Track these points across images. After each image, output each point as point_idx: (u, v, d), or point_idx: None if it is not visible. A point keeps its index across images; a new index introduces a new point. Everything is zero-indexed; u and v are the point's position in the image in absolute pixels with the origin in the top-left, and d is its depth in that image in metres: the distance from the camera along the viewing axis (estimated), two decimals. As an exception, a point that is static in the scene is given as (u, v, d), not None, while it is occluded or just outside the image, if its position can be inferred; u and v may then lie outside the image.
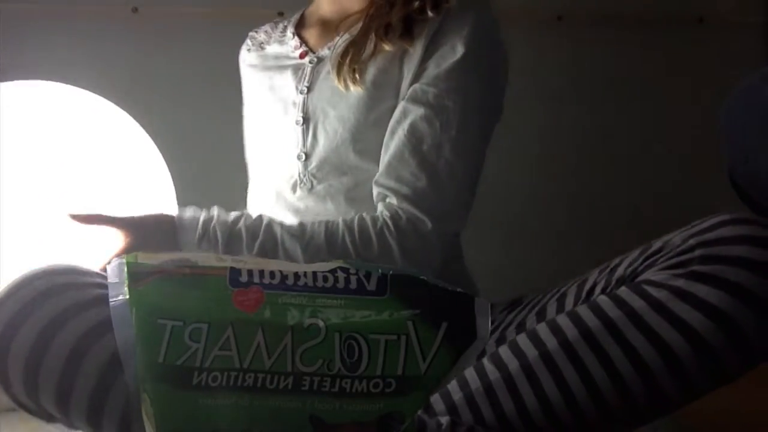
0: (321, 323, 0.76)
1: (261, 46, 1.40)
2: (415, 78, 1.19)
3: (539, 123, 1.99)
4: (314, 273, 0.77)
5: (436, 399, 0.89)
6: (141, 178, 1.31)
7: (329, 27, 1.32)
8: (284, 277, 0.77)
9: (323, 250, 1.11)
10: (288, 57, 1.33)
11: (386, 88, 1.20)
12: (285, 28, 1.39)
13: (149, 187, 1.31)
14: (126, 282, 0.76)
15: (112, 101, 1.34)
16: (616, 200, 2.02)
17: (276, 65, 1.34)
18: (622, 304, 0.89)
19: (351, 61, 1.20)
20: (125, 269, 0.77)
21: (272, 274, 0.77)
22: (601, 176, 2.02)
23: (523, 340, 0.93)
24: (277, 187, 1.29)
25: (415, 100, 1.17)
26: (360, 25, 1.25)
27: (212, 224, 1.12)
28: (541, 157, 2.00)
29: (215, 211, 1.15)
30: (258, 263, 0.78)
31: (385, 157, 1.18)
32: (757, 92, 1.20)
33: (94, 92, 1.33)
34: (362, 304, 0.77)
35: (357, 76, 1.19)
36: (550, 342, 0.90)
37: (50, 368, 0.88)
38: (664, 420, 1.20)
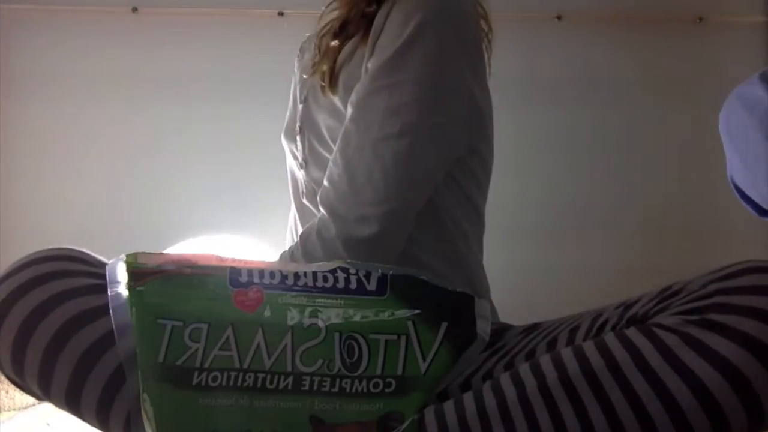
0: (321, 323, 0.76)
1: (303, 55, 1.39)
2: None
3: (539, 122, 1.99)
4: (314, 273, 0.77)
5: (430, 419, 0.87)
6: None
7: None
8: (284, 277, 0.77)
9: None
10: (307, 67, 1.31)
11: (351, 91, 1.18)
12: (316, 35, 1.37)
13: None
14: (126, 282, 0.76)
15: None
16: (616, 200, 2.02)
17: (300, 75, 1.34)
18: (628, 344, 0.84)
19: (323, 68, 1.20)
20: (125, 269, 0.77)
21: (272, 274, 0.77)
22: (601, 176, 2.02)
23: (524, 369, 0.88)
24: (292, 195, 1.32)
25: (350, 101, 1.14)
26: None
27: None
28: (540, 156, 2.00)
29: None
30: (258, 264, 0.78)
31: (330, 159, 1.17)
32: (757, 93, 1.20)
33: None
34: (362, 304, 0.77)
35: (333, 83, 1.18)
36: (550, 375, 0.85)
37: (33, 354, 0.88)
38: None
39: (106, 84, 1.78)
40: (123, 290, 0.77)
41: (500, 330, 1.07)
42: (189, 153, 1.81)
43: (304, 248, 1.09)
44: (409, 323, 0.76)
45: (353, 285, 0.77)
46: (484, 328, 0.76)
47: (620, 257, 1.93)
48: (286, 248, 1.20)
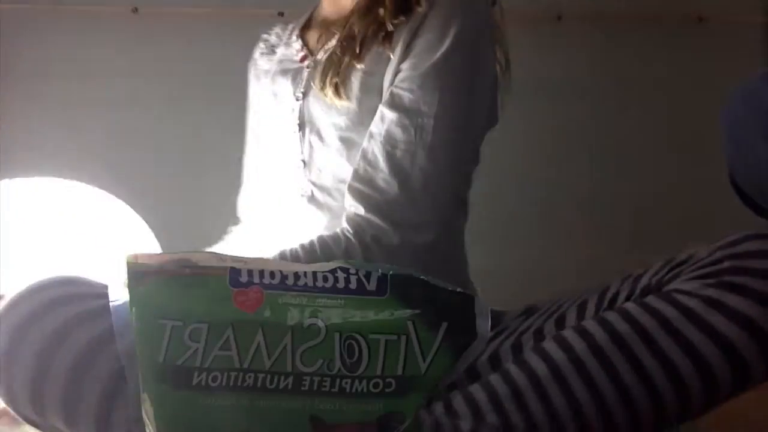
0: (321, 323, 0.76)
1: (272, 49, 1.37)
2: (393, 81, 1.16)
3: (539, 123, 1.99)
4: (314, 273, 0.77)
5: (458, 402, 0.88)
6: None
7: (329, 28, 1.28)
8: (284, 277, 0.77)
9: None
10: (291, 61, 1.30)
11: (374, 94, 1.17)
12: (293, 30, 1.36)
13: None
14: (126, 282, 0.76)
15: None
16: (617, 200, 2.02)
17: (280, 69, 1.30)
18: (653, 311, 0.89)
19: (332, 76, 1.17)
20: (126, 269, 0.77)
21: (272, 274, 0.77)
22: (601, 176, 2.02)
23: (549, 344, 0.91)
24: (280, 193, 1.27)
25: (390, 104, 1.14)
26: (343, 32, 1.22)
27: None
28: (540, 156, 2.00)
29: None
30: (258, 263, 0.78)
31: (360, 162, 1.14)
32: (758, 92, 1.20)
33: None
34: (362, 304, 0.77)
35: (340, 90, 1.16)
36: (579, 345, 0.89)
37: (55, 381, 0.86)
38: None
39: (106, 84, 1.78)
40: (124, 291, 0.77)
41: (496, 315, 1.08)
42: (189, 153, 1.81)
43: (362, 251, 1.08)
44: (409, 323, 0.76)
45: (353, 285, 0.77)
46: (484, 328, 0.77)
47: (621, 257, 1.93)
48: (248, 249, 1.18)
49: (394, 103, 1.14)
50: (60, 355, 0.86)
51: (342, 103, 1.17)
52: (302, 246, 1.09)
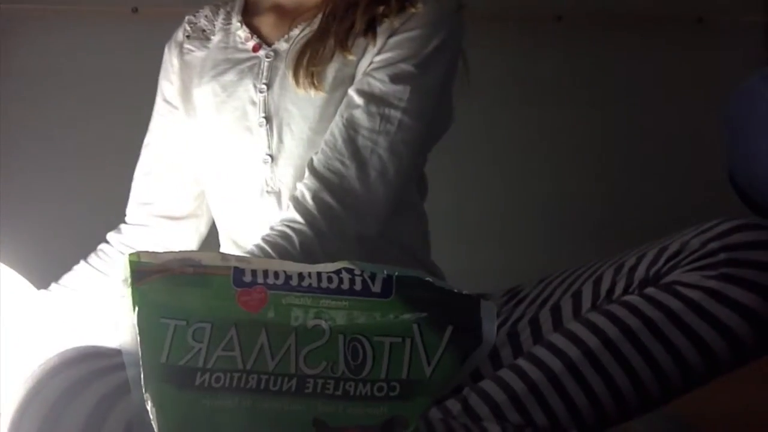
0: (325, 324, 0.76)
1: (204, 33, 1.30)
2: (367, 68, 1.15)
3: (538, 123, 1.99)
4: (319, 273, 0.77)
5: (476, 402, 0.91)
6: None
7: (284, 15, 1.24)
8: (288, 277, 0.77)
9: None
10: (237, 49, 1.24)
11: (347, 84, 1.16)
12: (228, 15, 1.29)
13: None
14: (129, 281, 0.76)
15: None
16: (616, 200, 2.01)
17: (224, 58, 1.24)
18: (658, 304, 0.93)
19: (308, 65, 1.15)
20: (128, 268, 0.76)
21: (276, 274, 0.77)
22: (600, 176, 2.02)
23: (559, 339, 0.95)
24: (238, 194, 1.22)
25: (360, 90, 1.13)
26: (317, 21, 1.19)
27: None
28: (540, 156, 2.00)
29: None
30: (262, 263, 0.78)
31: (322, 142, 1.13)
32: (758, 92, 1.20)
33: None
34: (367, 306, 0.76)
35: (315, 80, 1.14)
36: (591, 340, 0.93)
37: None
38: (666, 421, 1.20)
39: (106, 84, 1.78)
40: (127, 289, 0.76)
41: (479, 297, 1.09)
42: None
43: (317, 240, 1.06)
44: (415, 326, 0.76)
45: (358, 286, 0.77)
46: (490, 332, 0.76)
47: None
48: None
49: (364, 90, 1.13)
50: (106, 427, 0.81)
51: (315, 94, 1.15)
52: (252, 254, 1.06)
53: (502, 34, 1.88)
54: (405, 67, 1.14)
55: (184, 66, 1.30)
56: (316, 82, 1.14)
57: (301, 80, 1.15)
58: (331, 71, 1.16)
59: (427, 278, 0.79)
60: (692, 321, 0.92)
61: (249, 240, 1.13)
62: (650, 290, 0.95)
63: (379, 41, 1.16)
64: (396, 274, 0.77)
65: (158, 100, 1.34)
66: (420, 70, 1.14)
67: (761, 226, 0.96)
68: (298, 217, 1.08)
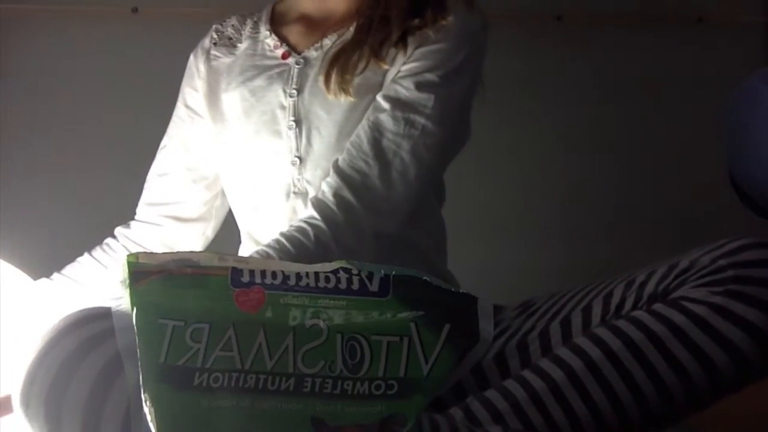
0: (323, 324, 0.76)
1: (230, 41, 1.34)
2: (395, 76, 1.19)
3: (539, 123, 1.99)
4: (316, 273, 0.77)
5: (477, 408, 0.91)
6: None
7: (313, 26, 1.28)
8: (286, 277, 0.77)
9: None
10: (265, 56, 1.28)
11: (375, 90, 1.19)
12: (256, 24, 1.33)
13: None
14: (127, 281, 0.76)
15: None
16: (616, 200, 2.01)
17: (252, 64, 1.28)
18: (664, 319, 0.94)
19: (342, 72, 1.19)
20: (127, 269, 0.77)
21: (274, 274, 0.77)
22: (600, 176, 2.02)
23: (564, 351, 0.95)
24: (265, 196, 1.25)
25: (387, 96, 1.18)
26: (351, 30, 1.23)
27: None
28: (540, 157, 2.00)
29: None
30: (260, 264, 0.78)
31: (348, 143, 1.17)
32: (758, 93, 1.20)
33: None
34: (364, 305, 0.76)
35: (346, 87, 1.18)
36: (594, 352, 0.93)
37: (110, 414, 0.82)
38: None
39: (106, 84, 1.78)
40: (125, 290, 0.77)
41: (496, 310, 1.09)
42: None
43: (332, 234, 1.08)
44: (412, 325, 0.76)
45: (355, 286, 0.77)
46: (487, 330, 0.76)
47: (620, 257, 1.93)
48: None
49: (391, 96, 1.18)
50: (113, 392, 0.83)
51: (345, 99, 1.18)
52: (270, 247, 1.06)
53: (502, 34, 1.88)
54: (431, 77, 1.18)
55: (211, 72, 1.33)
56: (346, 88, 1.18)
57: (332, 86, 1.18)
58: (360, 79, 1.19)
59: (425, 277, 0.79)
60: (696, 336, 0.92)
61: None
62: (657, 305, 0.96)
63: (409, 50, 1.20)
64: (393, 273, 0.77)
65: (179, 105, 1.38)
66: (445, 81, 1.18)
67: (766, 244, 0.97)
68: (316, 214, 1.11)
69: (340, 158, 1.16)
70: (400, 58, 1.20)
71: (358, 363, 0.76)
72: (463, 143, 1.29)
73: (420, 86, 1.18)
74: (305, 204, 1.20)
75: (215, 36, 1.37)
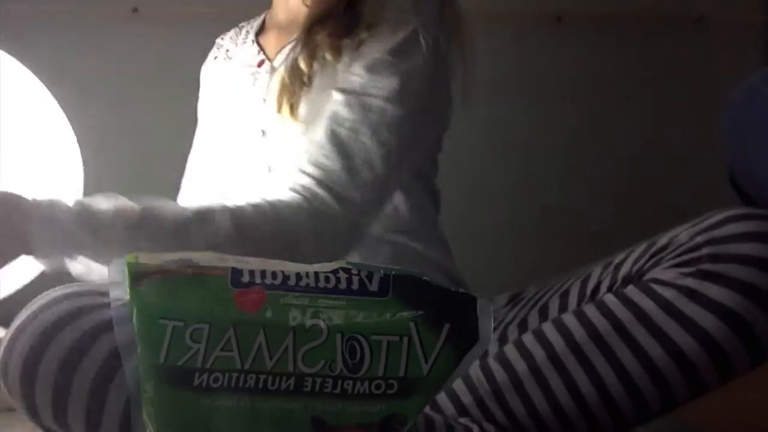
0: (323, 324, 0.76)
1: (227, 54, 1.37)
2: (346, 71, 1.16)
3: (539, 123, 1.99)
4: (316, 273, 0.77)
5: (444, 401, 0.89)
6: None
7: (283, 33, 1.28)
8: (286, 277, 0.77)
9: (232, 237, 1.03)
10: (248, 65, 1.30)
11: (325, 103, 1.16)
12: (248, 34, 1.36)
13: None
14: (127, 282, 0.76)
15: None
16: (616, 200, 2.02)
17: (238, 74, 1.30)
18: (631, 304, 0.88)
19: (287, 99, 1.17)
20: (126, 269, 0.77)
21: (274, 274, 0.77)
22: (600, 176, 2.02)
23: (529, 339, 0.92)
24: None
25: (340, 88, 1.14)
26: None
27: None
28: (540, 156, 2.00)
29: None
30: (260, 264, 0.78)
31: (304, 141, 1.14)
32: (758, 93, 1.20)
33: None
34: (364, 305, 0.76)
35: (294, 112, 1.16)
36: (558, 343, 0.90)
37: (79, 390, 0.86)
38: (664, 420, 1.20)
39: (106, 84, 1.78)
40: (125, 290, 0.76)
41: None
42: (188, 152, 1.81)
43: (312, 222, 1.05)
44: (412, 324, 0.76)
45: (355, 286, 0.77)
46: (487, 329, 0.76)
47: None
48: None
49: (344, 88, 1.14)
50: (82, 368, 0.86)
51: (297, 122, 1.16)
52: (251, 204, 1.06)
53: (502, 34, 1.88)
54: (380, 57, 1.14)
55: (209, 84, 1.37)
56: (295, 114, 1.16)
57: (283, 112, 1.17)
58: (305, 103, 1.17)
59: (424, 277, 0.79)
60: (663, 322, 0.86)
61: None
62: (628, 288, 0.91)
63: (347, 57, 1.17)
64: (393, 273, 0.77)
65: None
66: (396, 58, 1.14)
67: (753, 215, 0.89)
68: (291, 206, 1.08)
69: (300, 158, 1.13)
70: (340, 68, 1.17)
71: (358, 363, 0.75)
72: (444, 117, 1.25)
73: (370, 68, 1.13)
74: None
75: (216, 51, 1.40)
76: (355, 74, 1.14)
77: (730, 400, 1.06)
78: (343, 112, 1.12)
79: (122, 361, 0.77)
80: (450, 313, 0.77)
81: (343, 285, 0.77)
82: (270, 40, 1.30)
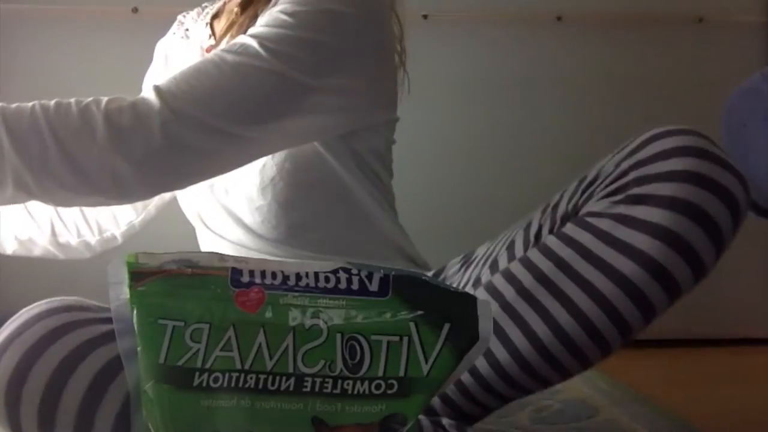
0: (323, 324, 0.76)
1: (186, 33, 1.34)
2: None
3: (539, 123, 1.99)
4: (316, 273, 0.77)
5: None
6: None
7: (232, 17, 1.25)
8: (286, 277, 0.77)
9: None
10: (201, 47, 1.28)
11: None
12: (206, 16, 1.33)
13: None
14: (127, 282, 0.76)
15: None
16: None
17: (193, 55, 1.28)
18: (570, 241, 0.89)
19: None
20: (126, 269, 0.77)
21: (274, 274, 0.77)
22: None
23: (481, 294, 0.93)
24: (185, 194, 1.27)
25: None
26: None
27: None
28: (540, 156, 2.00)
29: None
30: (260, 264, 0.78)
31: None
32: (758, 92, 1.20)
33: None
34: (364, 305, 0.76)
35: None
36: (508, 292, 0.90)
37: (66, 411, 0.84)
38: (664, 420, 1.21)
39: (106, 84, 1.78)
40: (124, 291, 0.77)
41: (438, 273, 1.12)
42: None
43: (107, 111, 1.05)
44: (411, 324, 0.76)
45: (355, 286, 0.77)
46: (486, 329, 0.76)
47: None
48: None
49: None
50: (71, 384, 0.85)
51: None
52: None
53: (502, 34, 1.88)
54: (277, 14, 1.09)
55: (161, 57, 1.37)
56: None
57: None
58: None
59: (424, 277, 0.79)
60: (603, 252, 0.87)
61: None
62: (566, 226, 0.92)
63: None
64: (393, 273, 0.77)
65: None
66: (293, 20, 1.08)
67: (672, 132, 0.91)
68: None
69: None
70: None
71: (358, 363, 0.75)
72: (370, 96, 1.18)
73: (267, 23, 1.08)
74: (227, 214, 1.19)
75: (175, 27, 1.37)
76: (255, 26, 1.11)
77: (730, 399, 1.07)
78: (226, 48, 1.09)
79: (122, 361, 0.77)
80: (450, 313, 0.77)
81: (343, 285, 0.77)
82: (221, 24, 1.28)
